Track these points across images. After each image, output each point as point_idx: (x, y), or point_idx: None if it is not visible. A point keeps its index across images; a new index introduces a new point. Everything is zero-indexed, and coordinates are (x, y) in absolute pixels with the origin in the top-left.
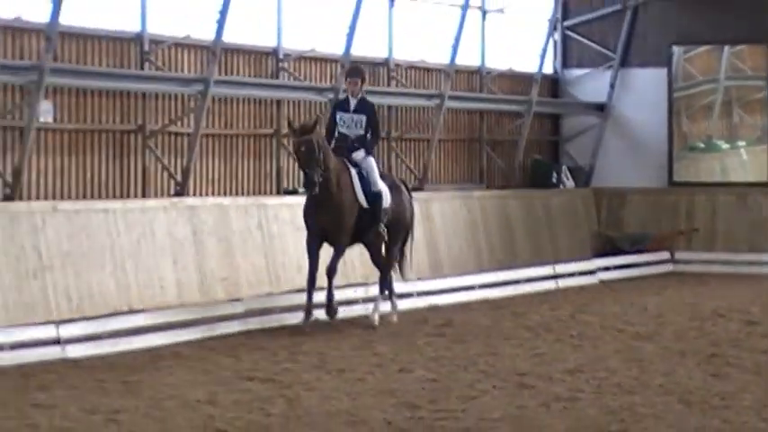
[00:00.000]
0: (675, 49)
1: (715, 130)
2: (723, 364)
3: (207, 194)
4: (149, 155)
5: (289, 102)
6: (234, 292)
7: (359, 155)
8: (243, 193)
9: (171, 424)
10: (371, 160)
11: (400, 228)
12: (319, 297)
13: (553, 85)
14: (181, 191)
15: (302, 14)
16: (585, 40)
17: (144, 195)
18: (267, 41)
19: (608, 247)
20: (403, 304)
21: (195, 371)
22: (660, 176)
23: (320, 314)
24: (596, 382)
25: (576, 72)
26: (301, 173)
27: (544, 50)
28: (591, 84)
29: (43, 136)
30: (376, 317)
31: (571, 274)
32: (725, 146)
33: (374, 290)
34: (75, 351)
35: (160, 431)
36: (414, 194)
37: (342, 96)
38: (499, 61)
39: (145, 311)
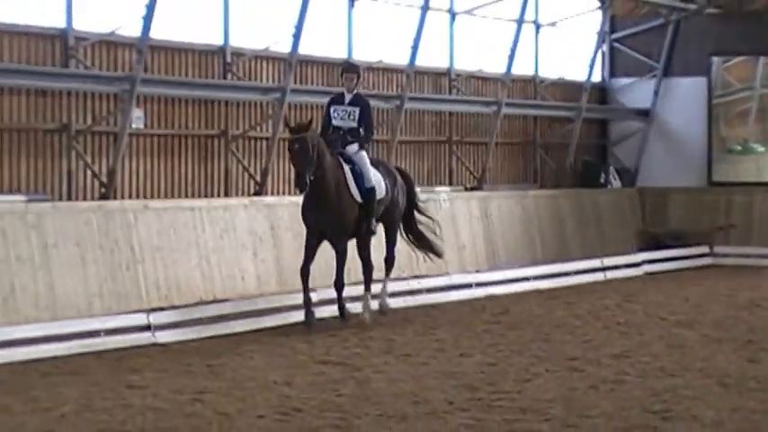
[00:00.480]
0: (714, 59)
1: (751, 134)
2: (758, 349)
3: (283, 194)
4: (231, 157)
5: None
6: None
7: (352, 148)
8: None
9: (251, 403)
10: (364, 154)
11: (396, 215)
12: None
13: (601, 93)
14: (260, 190)
15: (371, 28)
16: (631, 51)
17: (226, 194)
18: (338, 53)
19: (652, 242)
20: (462, 294)
21: (273, 355)
22: (700, 177)
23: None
24: (641, 366)
25: (623, 81)
26: (293, 171)
27: (593, 61)
28: (636, 91)
29: (135, 141)
30: (367, 315)
31: (618, 267)
32: (760, 149)
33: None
34: (164, 337)
35: (241, 410)
36: (472, 193)
37: (337, 92)
38: (551, 71)
39: (227, 301)
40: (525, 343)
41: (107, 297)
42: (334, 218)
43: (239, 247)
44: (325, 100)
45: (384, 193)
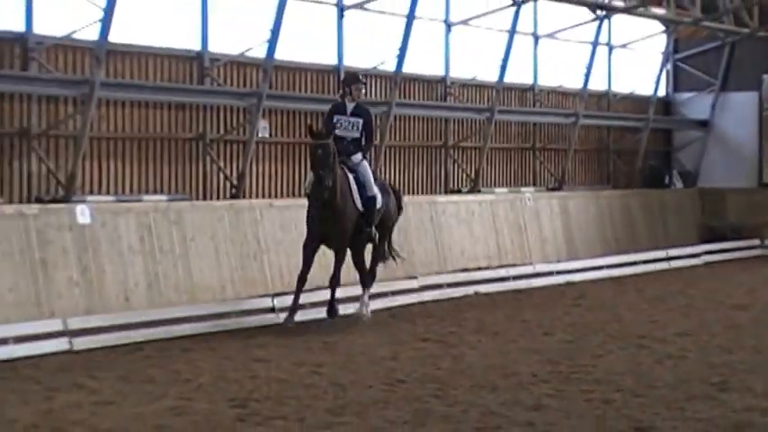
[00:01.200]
0: (765, 77)
1: None
2: None
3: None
4: None
5: (455, 120)
6: (410, 271)
7: (356, 158)
8: (418, 193)
9: (361, 375)
10: (366, 165)
11: (387, 226)
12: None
13: (666, 106)
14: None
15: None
16: (692, 70)
17: None
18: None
19: (710, 236)
20: (545, 281)
21: (380, 333)
22: (752, 179)
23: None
24: (701, 343)
25: (685, 95)
26: (313, 175)
27: (659, 78)
28: (696, 104)
29: (261, 148)
30: (365, 310)
31: (680, 257)
32: None
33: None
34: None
35: (353, 381)
36: (553, 193)
37: (338, 101)
38: (622, 86)
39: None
40: (599, 323)
41: (237, 283)
42: (339, 224)
43: None
44: (424, 113)
45: (381, 204)
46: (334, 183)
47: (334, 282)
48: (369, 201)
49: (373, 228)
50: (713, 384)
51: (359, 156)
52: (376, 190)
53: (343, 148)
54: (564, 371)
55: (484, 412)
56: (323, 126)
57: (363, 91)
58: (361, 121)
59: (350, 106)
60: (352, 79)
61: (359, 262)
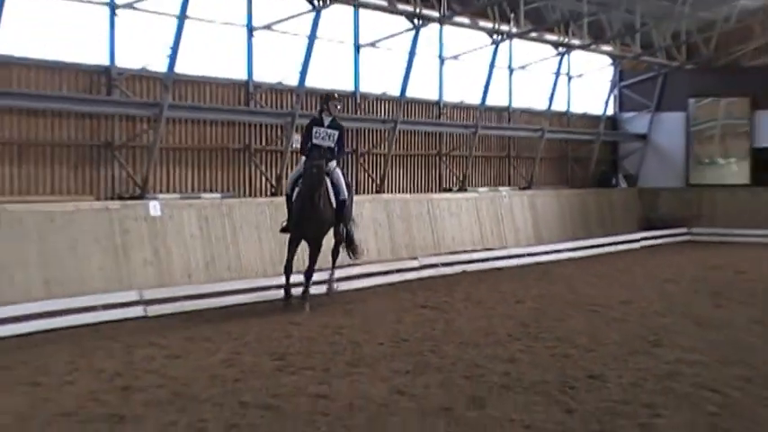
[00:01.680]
0: (690, 100)
1: (715, 151)
2: (722, 298)
3: (396, 192)
4: (360, 168)
5: (447, 134)
6: (412, 253)
7: (332, 164)
8: (418, 192)
9: (373, 335)
10: (339, 171)
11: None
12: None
13: (613, 123)
14: (379, 189)
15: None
16: (634, 94)
17: (357, 192)
18: (503, 102)
19: (647, 225)
20: (518, 261)
21: (388, 302)
22: (681, 180)
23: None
24: (640, 309)
25: (628, 114)
26: (310, 190)
27: (607, 101)
28: (637, 122)
29: (294, 155)
30: (334, 285)
31: (624, 242)
32: (721, 161)
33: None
34: (313, 290)
35: (367, 339)
36: (524, 192)
37: (316, 115)
38: (579, 107)
39: (357, 265)
40: (560, 294)
41: (276, 264)
42: (318, 229)
43: (364, 230)
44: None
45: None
46: (320, 195)
47: (310, 273)
48: (341, 203)
49: (342, 226)
50: (649, 342)
51: (334, 163)
52: (347, 194)
53: (320, 155)
54: (532, 331)
55: (469, 364)
56: (303, 136)
57: (339, 107)
58: (336, 133)
59: (327, 120)
60: (329, 97)
61: (335, 252)
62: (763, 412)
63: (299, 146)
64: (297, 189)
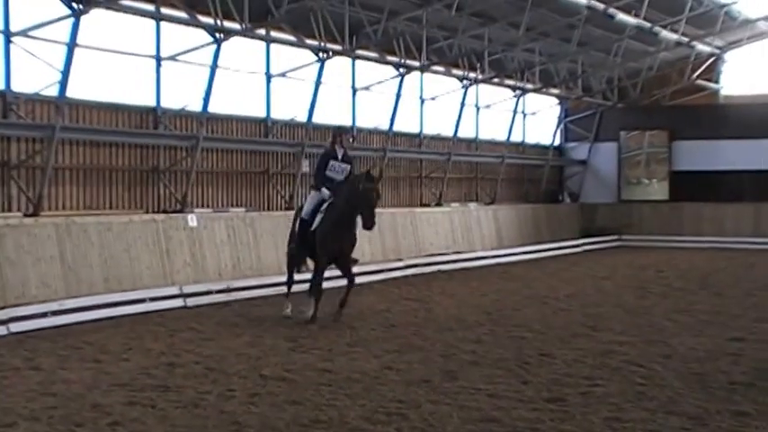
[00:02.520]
0: (622, 133)
1: (641, 174)
2: (646, 292)
3: (385, 207)
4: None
5: (427, 160)
6: (398, 256)
7: None
8: (403, 206)
9: (368, 321)
10: None
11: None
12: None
13: (560, 151)
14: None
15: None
16: (576, 128)
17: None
18: (472, 134)
19: (587, 234)
20: (484, 262)
21: (378, 295)
22: (614, 197)
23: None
24: (580, 301)
25: (572, 144)
26: (367, 211)
27: (555, 133)
28: (579, 150)
29: (305, 178)
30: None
31: (568, 247)
32: (646, 181)
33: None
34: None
35: (362, 325)
36: (488, 206)
37: (329, 147)
38: (532, 139)
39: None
40: (517, 288)
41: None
42: (353, 241)
43: (362, 237)
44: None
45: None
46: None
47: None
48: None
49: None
50: (589, 327)
51: None
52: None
53: (332, 187)
54: (495, 318)
55: (445, 345)
56: (319, 166)
57: (352, 140)
58: (348, 167)
59: (339, 152)
60: (342, 130)
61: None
62: (680, 383)
63: (310, 171)
64: (320, 216)
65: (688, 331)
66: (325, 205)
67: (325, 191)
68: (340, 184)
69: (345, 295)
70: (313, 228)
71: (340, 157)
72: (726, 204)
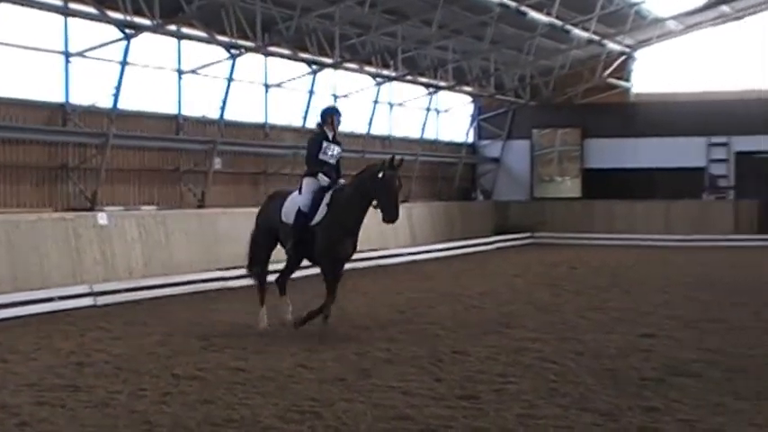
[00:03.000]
0: (534, 130)
1: (553, 171)
2: (559, 289)
3: None
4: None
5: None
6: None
7: (341, 182)
8: None
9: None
10: None
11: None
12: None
13: (473, 149)
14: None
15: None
16: (489, 126)
17: None
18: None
19: (500, 231)
20: (398, 260)
21: (292, 294)
22: (526, 194)
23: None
24: (493, 298)
25: (485, 142)
26: (392, 199)
27: (468, 131)
28: (492, 148)
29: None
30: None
31: (481, 245)
32: (559, 179)
33: None
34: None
35: (276, 326)
36: (403, 204)
37: (318, 130)
38: (445, 136)
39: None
40: (432, 287)
41: (201, 263)
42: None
43: None
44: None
45: None
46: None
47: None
48: None
49: None
50: (501, 324)
51: (342, 180)
52: None
53: (328, 171)
54: (409, 317)
55: (359, 343)
56: (312, 151)
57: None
58: (340, 149)
59: (330, 135)
60: (333, 111)
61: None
62: (592, 380)
63: (222, 168)
64: (324, 210)
65: (600, 328)
66: (327, 198)
67: (322, 177)
68: (359, 176)
69: (328, 305)
70: (314, 223)
71: (331, 138)
72: (637, 202)
